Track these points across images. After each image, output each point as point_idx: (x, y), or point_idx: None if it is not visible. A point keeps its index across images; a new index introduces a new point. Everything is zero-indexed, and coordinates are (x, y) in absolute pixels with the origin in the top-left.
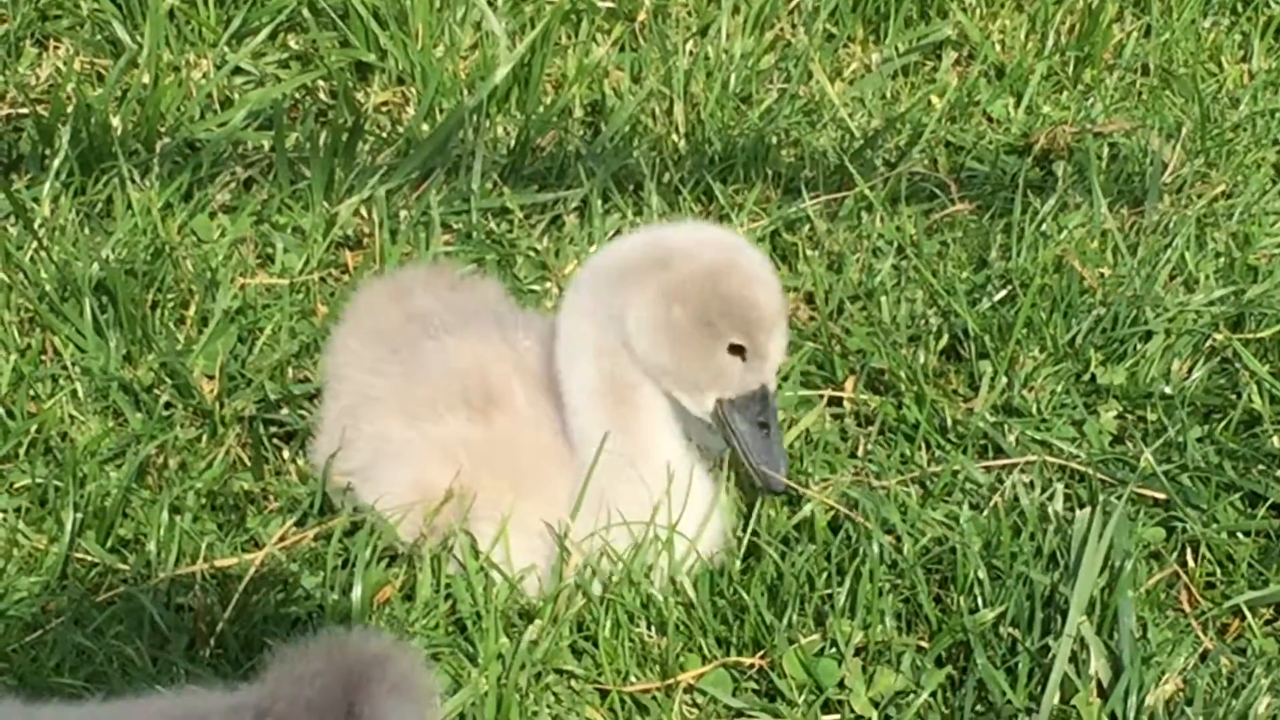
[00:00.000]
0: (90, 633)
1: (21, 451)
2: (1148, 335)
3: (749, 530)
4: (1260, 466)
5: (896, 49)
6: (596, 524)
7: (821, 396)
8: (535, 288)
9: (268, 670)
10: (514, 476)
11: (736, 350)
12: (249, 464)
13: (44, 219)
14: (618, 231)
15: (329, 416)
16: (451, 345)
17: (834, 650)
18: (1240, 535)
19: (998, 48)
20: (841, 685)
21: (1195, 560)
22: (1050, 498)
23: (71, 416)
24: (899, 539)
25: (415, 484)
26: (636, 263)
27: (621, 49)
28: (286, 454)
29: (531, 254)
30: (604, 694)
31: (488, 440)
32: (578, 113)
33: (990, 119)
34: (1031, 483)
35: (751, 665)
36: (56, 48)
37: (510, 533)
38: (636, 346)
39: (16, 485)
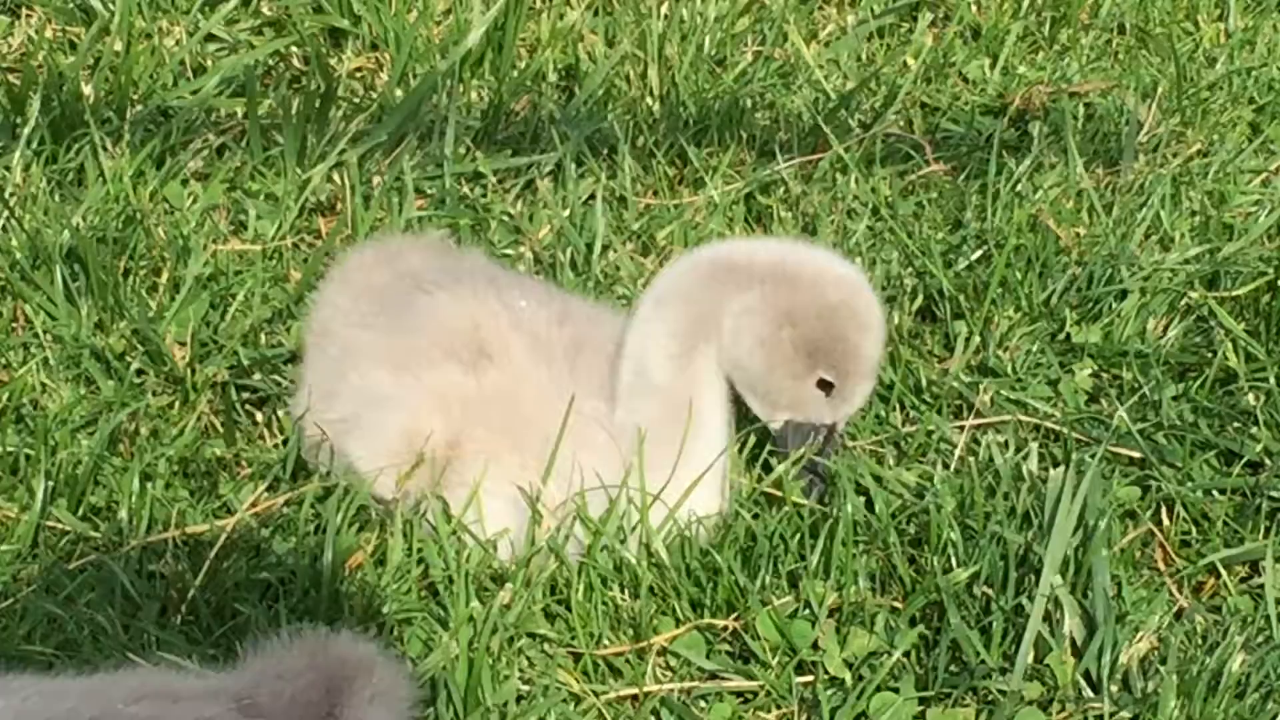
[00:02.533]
0: (61, 601)
1: None
2: (1123, 294)
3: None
4: (1235, 424)
5: (872, 10)
6: (572, 488)
7: None
8: (509, 252)
9: (247, 659)
10: (506, 430)
11: (825, 385)
12: (221, 430)
13: (15, 187)
14: (591, 196)
15: (313, 371)
16: (444, 300)
17: (808, 612)
18: (1215, 493)
19: (973, 8)
20: (815, 647)
21: (1170, 519)
22: (1025, 457)
23: (43, 384)
24: (872, 499)
25: (405, 432)
26: (759, 270)
27: (595, 13)
28: (259, 419)
29: (505, 218)
30: (577, 657)
31: (480, 392)
32: (551, 77)
33: (966, 80)
34: (1006, 442)
35: (725, 628)
36: (28, 15)
37: (495, 494)
38: (730, 347)
39: None
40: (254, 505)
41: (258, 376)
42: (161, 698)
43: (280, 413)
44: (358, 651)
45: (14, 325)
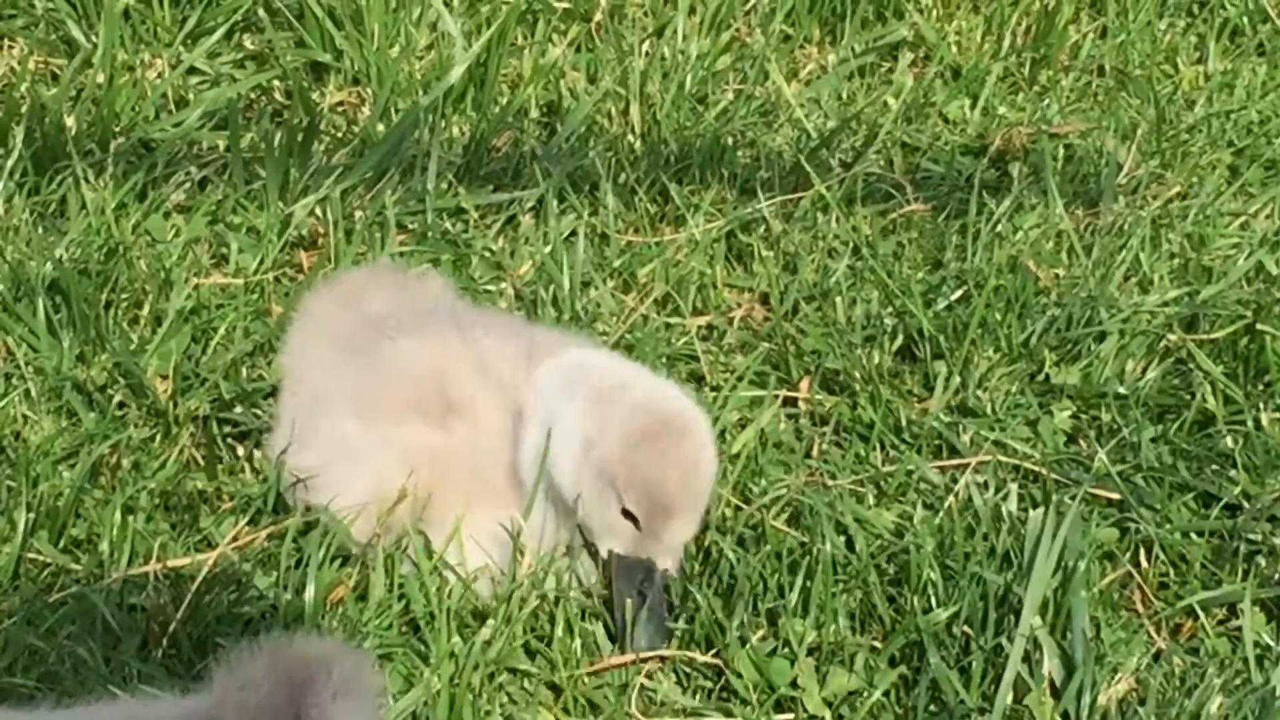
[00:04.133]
0: (43, 633)
1: None
2: (1102, 336)
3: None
4: (1214, 467)
5: (853, 50)
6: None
7: (776, 397)
8: (490, 288)
9: (215, 676)
10: (471, 485)
11: (629, 516)
12: (203, 464)
13: None
14: (573, 233)
15: (285, 414)
16: (409, 346)
17: (786, 650)
18: (1194, 535)
19: (954, 49)
20: (795, 685)
21: (1149, 560)
22: (1004, 498)
23: (25, 416)
24: (852, 539)
25: (372, 488)
26: (589, 384)
27: (577, 49)
28: (241, 453)
29: (487, 254)
30: (558, 693)
31: (447, 447)
32: (533, 113)
33: (946, 120)
34: (986, 483)
35: (704, 664)
36: (11, 47)
37: (465, 539)
38: (553, 461)
39: None
40: (235, 539)
41: (239, 410)
42: None
43: (261, 447)
44: (316, 650)
45: None
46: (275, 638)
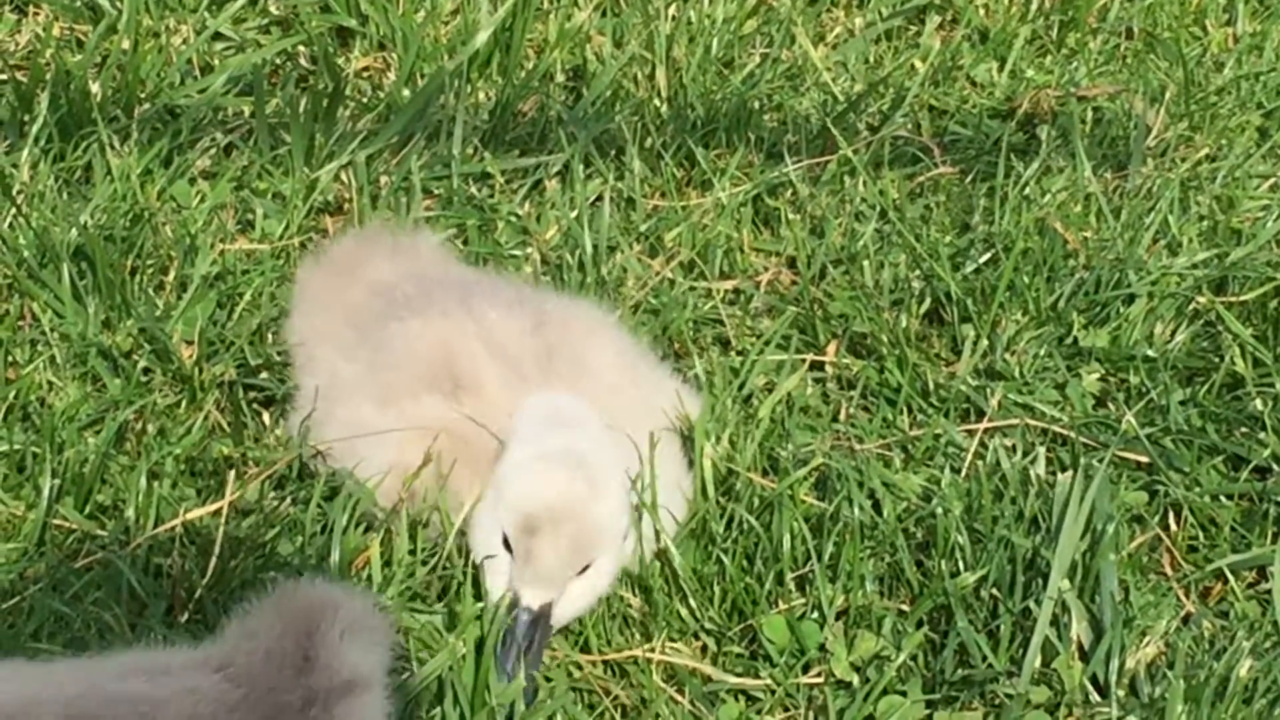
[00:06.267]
0: (68, 599)
1: None
2: (1130, 298)
3: (730, 496)
4: (1243, 429)
5: (880, 13)
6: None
7: (803, 361)
8: (516, 253)
9: (226, 627)
10: (481, 461)
11: (506, 543)
12: (228, 429)
13: (22, 185)
14: (598, 198)
15: (303, 394)
16: (417, 327)
17: (815, 615)
18: (1223, 498)
19: (981, 12)
20: (822, 649)
21: (1178, 524)
22: (1032, 461)
23: (50, 382)
24: (879, 503)
25: (392, 463)
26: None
27: (603, 13)
28: (266, 419)
29: (513, 219)
30: (585, 651)
31: (458, 424)
32: (559, 78)
33: (974, 83)
34: (1013, 446)
35: (733, 629)
36: (36, 13)
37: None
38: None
39: None
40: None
41: (264, 376)
42: (149, 673)
43: (286, 414)
44: (321, 593)
45: (21, 323)
46: (282, 583)
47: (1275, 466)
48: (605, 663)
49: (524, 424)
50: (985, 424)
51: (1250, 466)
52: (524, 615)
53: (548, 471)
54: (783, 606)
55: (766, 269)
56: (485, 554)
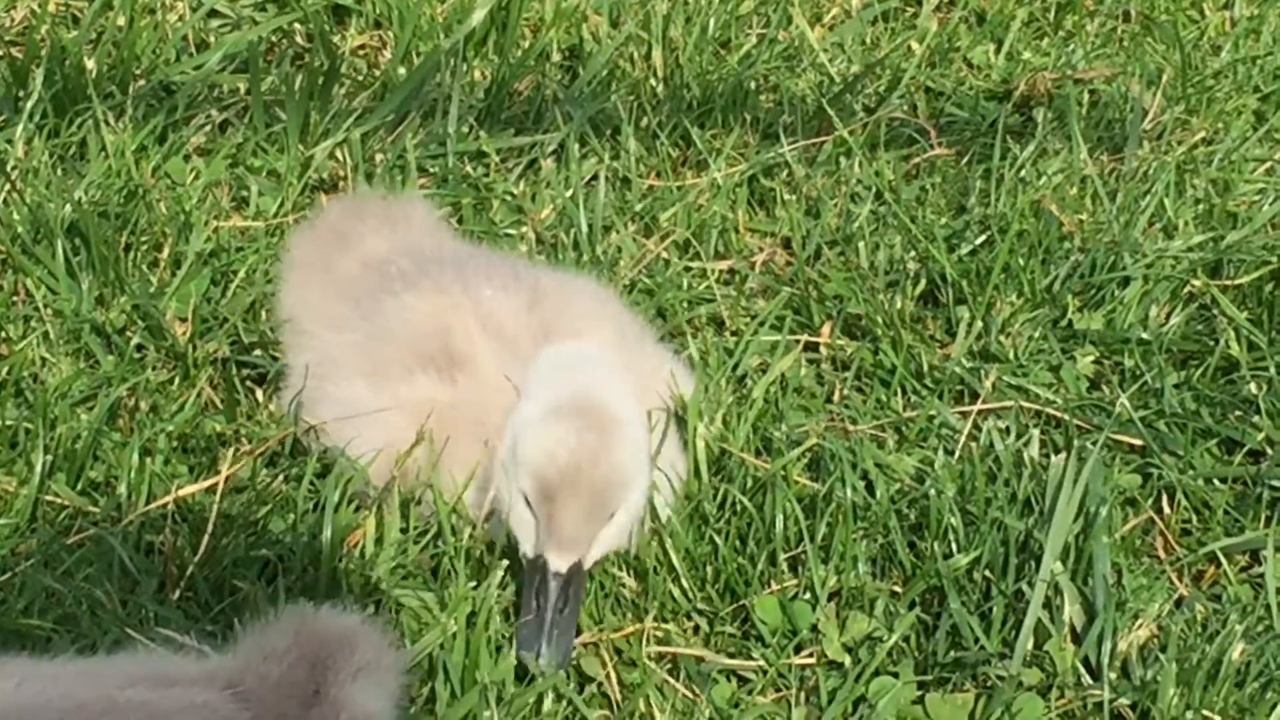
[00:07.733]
0: (60, 575)
1: None
2: (1125, 281)
3: (723, 478)
4: (1237, 412)
5: None
6: None
7: (798, 341)
8: (511, 232)
9: (239, 640)
10: (477, 438)
11: (528, 504)
12: (221, 406)
13: (17, 161)
14: (594, 177)
15: (295, 370)
16: (411, 302)
17: (808, 595)
18: (1216, 482)
19: None
20: (814, 630)
21: (1171, 506)
22: (1026, 443)
23: (43, 358)
24: (872, 484)
25: (384, 442)
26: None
27: None
28: (259, 396)
29: (508, 198)
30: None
31: (453, 402)
32: (555, 57)
33: (970, 65)
34: (1007, 428)
35: (726, 610)
36: None
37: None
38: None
39: None
40: (251, 473)
41: (258, 353)
42: (155, 682)
43: (279, 392)
44: (340, 626)
45: (15, 299)
46: (301, 607)
47: (1269, 450)
48: (598, 643)
49: (536, 375)
50: (979, 406)
51: (1244, 450)
52: (554, 582)
53: (559, 430)
54: (775, 587)
55: (761, 249)
56: (510, 515)
